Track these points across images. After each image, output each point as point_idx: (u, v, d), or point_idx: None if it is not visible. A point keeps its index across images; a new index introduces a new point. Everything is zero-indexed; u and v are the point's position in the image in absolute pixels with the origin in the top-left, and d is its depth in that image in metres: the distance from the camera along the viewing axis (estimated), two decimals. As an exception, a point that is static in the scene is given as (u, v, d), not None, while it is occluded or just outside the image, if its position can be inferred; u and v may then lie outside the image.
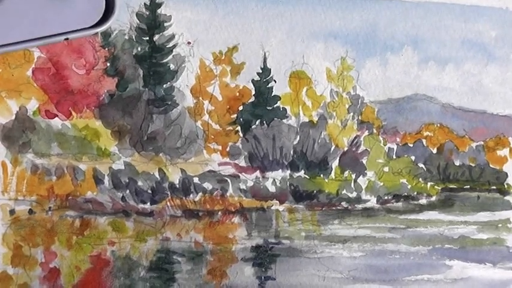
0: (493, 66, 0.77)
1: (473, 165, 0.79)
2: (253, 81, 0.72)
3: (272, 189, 0.74)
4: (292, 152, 0.74)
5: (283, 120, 0.74)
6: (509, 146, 0.78)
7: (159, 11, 0.70)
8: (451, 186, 0.78)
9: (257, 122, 0.73)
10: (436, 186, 0.78)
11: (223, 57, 0.72)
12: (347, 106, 0.75)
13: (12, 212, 0.69)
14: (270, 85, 0.73)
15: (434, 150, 0.77)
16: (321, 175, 0.75)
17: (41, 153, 0.69)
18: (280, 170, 0.74)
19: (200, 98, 0.72)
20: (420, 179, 0.77)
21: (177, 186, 0.72)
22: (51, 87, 0.68)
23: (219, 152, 0.73)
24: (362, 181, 0.76)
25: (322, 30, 0.73)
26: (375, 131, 0.76)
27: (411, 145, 0.77)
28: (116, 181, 0.71)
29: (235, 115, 0.73)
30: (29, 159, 0.69)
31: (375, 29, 0.74)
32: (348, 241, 0.76)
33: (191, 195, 0.73)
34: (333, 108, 0.74)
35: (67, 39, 0.40)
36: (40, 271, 0.70)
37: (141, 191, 0.71)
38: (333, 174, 0.75)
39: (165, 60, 0.70)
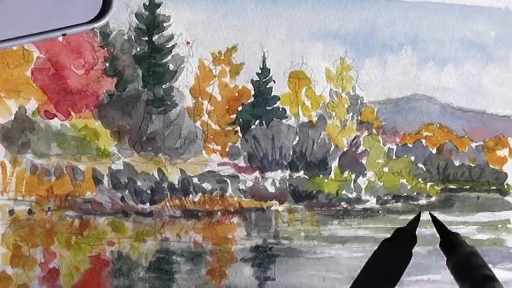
0: (493, 66, 0.77)
1: (473, 165, 0.78)
2: (252, 81, 0.72)
3: (271, 189, 0.74)
4: (291, 152, 0.74)
5: (283, 121, 0.74)
6: (509, 146, 0.78)
7: (158, 11, 0.70)
8: (451, 186, 0.78)
9: (256, 122, 0.73)
10: (435, 187, 0.78)
11: (222, 58, 0.72)
12: (346, 106, 0.75)
13: (11, 212, 0.69)
14: (269, 85, 0.73)
15: (434, 151, 0.77)
16: (321, 175, 0.75)
17: (40, 154, 0.69)
18: (279, 170, 0.74)
19: (199, 98, 0.72)
20: (420, 179, 0.77)
21: (177, 186, 0.72)
22: (51, 87, 0.68)
23: (218, 152, 0.73)
24: (362, 181, 0.76)
25: (321, 30, 0.73)
26: (374, 131, 0.76)
27: (411, 145, 0.77)
28: (115, 181, 0.71)
29: (234, 115, 0.73)
30: (28, 160, 0.69)
31: (374, 29, 0.74)
32: (348, 241, 0.76)
33: (190, 196, 0.73)
34: (332, 108, 0.74)
35: (64, 34, 0.40)
36: (39, 271, 0.70)
37: (140, 191, 0.71)
38: (332, 175, 0.75)
39: (164, 61, 0.71)
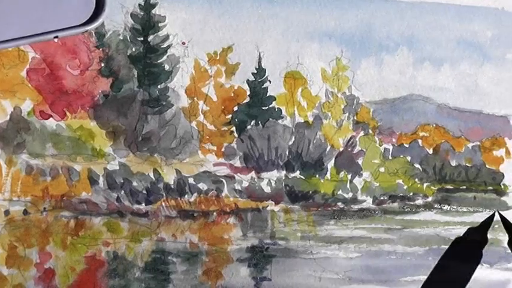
0: (489, 66, 0.77)
1: (469, 165, 0.78)
2: (248, 81, 0.72)
3: (267, 189, 0.74)
4: (287, 153, 0.74)
5: (279, 121, 0.74)
6: (505, 146, 0.78)
7: (153, 11, 0.70)
8: (447, 186, 0.78)
9: (252, 123, 0.73)
10: (432, 187, 0.78)
11: (218, 58, 0.71)
12: (342, 106, 0.75)
13: (6, 212, 0.69)
14: (265, 85, 0.73)
15: (430, 151, 0.77)
16: (317, 175, 0.75)
17: (36, 154, 0.69)
18: (275, 171, 0.74)
19: (195, 99, 0.72)
20: (416, 180, 0.77)
21: (172, 186, 0.72)
22: (46, 87, 0.68)
23: (214, 153, 0.73)
24: (358, 182, 0.76)
25: (317, 30, 0.73)
26: (370, 131, 0.76)
27: (407, 145, 0.77)
28: (110, 182, 0.71)
29: (230, 115, 0.73)
30: (23, 160, 0.69)
31: (370, 29, 0.74)
32: (344, 242, 0.76)
33: (186, 196, 0.72)
34: (328, 108, 0.74)
35: (57, 37, 0.40)
36: (35, 272, 0.70)
37: (136, 192, 0.71)
38: (328, 175, 0.75)
39: (159, 61, 0.70)
